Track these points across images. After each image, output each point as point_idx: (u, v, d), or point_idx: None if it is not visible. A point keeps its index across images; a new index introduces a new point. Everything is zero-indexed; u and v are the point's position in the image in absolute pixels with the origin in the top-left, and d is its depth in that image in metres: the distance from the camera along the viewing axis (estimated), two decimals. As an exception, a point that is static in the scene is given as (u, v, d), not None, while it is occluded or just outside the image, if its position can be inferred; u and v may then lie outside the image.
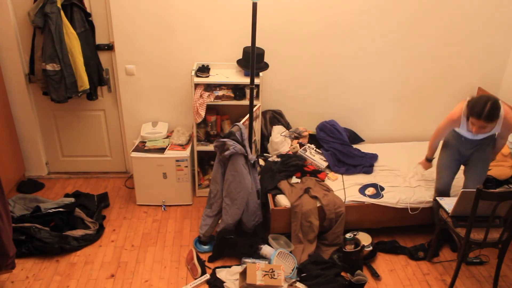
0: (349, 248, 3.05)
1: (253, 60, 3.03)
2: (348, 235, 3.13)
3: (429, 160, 3.27)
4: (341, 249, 3.07)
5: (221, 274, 2.95)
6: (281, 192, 3.23)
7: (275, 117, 3.85)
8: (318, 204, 3.12)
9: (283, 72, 3.74)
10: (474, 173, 3.04)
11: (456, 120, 2.87)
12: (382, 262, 3.13)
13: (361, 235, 3.15)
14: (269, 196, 3.23)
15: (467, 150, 3.01)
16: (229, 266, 3.03)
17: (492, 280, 2.90)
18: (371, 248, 3.09)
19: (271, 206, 3.16)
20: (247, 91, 3.48)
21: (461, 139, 2.98)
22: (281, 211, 3.12)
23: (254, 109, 3.34)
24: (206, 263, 3.07)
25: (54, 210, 3.30)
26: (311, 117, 3.92)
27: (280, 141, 3.65)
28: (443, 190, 3.17)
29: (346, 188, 3.32)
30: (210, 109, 3.62)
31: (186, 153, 3.53)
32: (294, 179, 3.34)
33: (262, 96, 3.67)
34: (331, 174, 3.46)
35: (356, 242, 3.07)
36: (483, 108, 2.62)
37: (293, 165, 3.40)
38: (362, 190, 3.31)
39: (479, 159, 3.00)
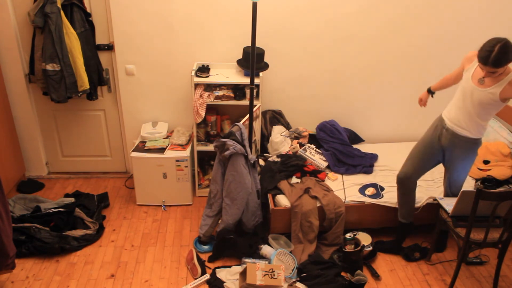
0: (349, 248, 3.05)
1: (253, 60, 3.03)
2: (348, 235, 3.13)
3: (429, 90, 3.09)
4: (341, 249, 3.06)
5: (221, 274, 2.95)
6: (281, 192, 3.23)
7: (275, 117, 3.85)
8: (318, 204, 3.12)
9: (283, 72, 3.74)
10: (451, 177, 2.94)
11: (470, 57, 2.70)
12: (382, 262, 3.14)
13: (361, 235, 3.15)
14: (269, 196, 3.23)
15: (447, 141, 2.83)
16: (229, 266, 3.03)
17: (492, 280, 2.90)
18: (371, 248, 3.09)
19: (271, 206, 3.16)
20: (247, 91, 3.48)
21: (443, 129, 2.85)
22: (281, 211, 3.12)
23: (254, 109, 3.34)
24: (206, 263, 3.07)
25: (54, 210, 3.30)
26: (311, 117, 3.92)
27: (280, 141, 3.65)
28: (401, 179, 3.07)
29: (346, 188, 3.32)
30: (210, 109, 3.62)
31: (186, 153, 3.53)
32: (294, 179, 3.34)
33: (262, 96, 3.67)
34: (331, 174, 3.46)
35: (356, 242, 3.07)
36: (490, 52, 2.40)
37: (293, 165, 3.40)
38: (362, 190, 3.31)
39: (457, 162, 2.85)
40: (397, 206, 3.19)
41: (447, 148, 2.86)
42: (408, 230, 3.22)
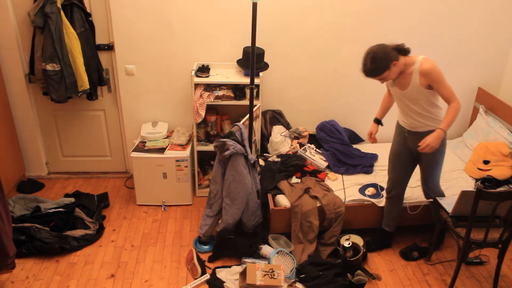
0: (349, 255, 3.00)
1: (253, 60, 3.03)
2: (346, 244, 3.01)
3: (376, 120, 3.06)
4: (340, 255, 3.03)
5: (221, 274, 2.95)
6: (281, 192, 3.23)
7: (275, 117, 3.85)
8: (318, 204, 3.12)
9: (283, 72, 3.74)
10: (422, 171, 2.93)
11: None
12: (382, 262, 3.13)
13: (353, 238, 3.12)
14: (269, 196, 3.23)
15: (413, 143, 2.82)
16: (229, 266, 3.03)
17: (492, 280, 2.90)
18: (363, 250, 3.05)
19: (271, 206, 3.16)
20: (247, 91, 3.48)
21: (405, 134, 2.87)
22: (281, 211, 3.12)
23: (254, 109, 3.34)
24: (206, 263, 3.07)
25: (54, 210, 3.30)
26: (311, 117, 3.92)
27: (280, 141, 3.65)
28: (390, 189, 3.09)
29: (346, 188, 3.32)
30: (210, 109, 3.62)
31: (186, 153, 3.53)
32: (294, 179, 3.34)
33: (262, 96, 3.67)
34: (331, 174, 3.46)
35: (355, 247, 3.04)
36: (364, 65, 2.52)
37: (293, 165, 3.40)
38: (362, 190, 3.31)
39: (426, 156, 2.82)
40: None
41: (416, 148, 2.84)
42: (388, 238, 3.25)
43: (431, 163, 2.87)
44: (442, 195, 3.02)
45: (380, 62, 2.50)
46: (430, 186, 2.97)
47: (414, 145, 2.83)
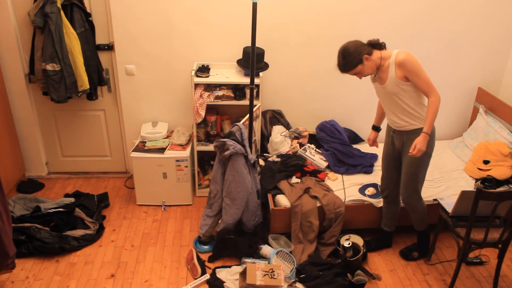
0: (349, 255, 3.00)
1: (253, 60, 3.03)
2: (346, 244, 3.00)
3: (373, 128, 3.09)
4: (340, 255, 3.03)
5: (221, 274, 2.95)
6: (281, 192, 3.23)
7: (275, 117, 3.85)
8: (318, 204, 3.12)
9: (283, 72, 3.74)
10: (403, 170, 2.85)
11: None
12: (382, 262, 3.13)
13: (353, 237, 3.12)
14: (269, 196, 3.23)
15: (399, 142, 2.83)
16: (229, 266, 3.03)
17: (492, 280, 2.90)
18: (363, 250, 3.05)
19: (271, 206, 3.16)
20: (247, 91, 3.48)
21: (392, 134, 2.88)
22: (281, 211, 3.12)
23: (254, 109, 3.34)
24: (206, 263, 3.07)
25: (54, 210, 3.30)
26: (311, 117, 3.92)
27: (280, 141, 3.65)
28: (383, 189, 3.09)
29: (346, 188, 3.32)
30: (210, 109, 3.62)
31: (186, 153, 3.53)
32: (294, 179, 3.34)
33: (262, 96, 3.67)
34: (331, 174, 3.46)
35: (355, 247, 3.03)
36: (338, 61, 2.61)
37: (293, 165, 3.40)
38: (362, 190, 3.31)
39: (407, 154, 2.77)
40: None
41: (402, 148, 2.84)
42: (388, 238, 3.24)
43: (414, 163, 2.77)
44: (418, 209, 2.93)
45: (351, 55, 2.55)
46: (407, 194, 2.87)
47: (400, 144, 2.84)
